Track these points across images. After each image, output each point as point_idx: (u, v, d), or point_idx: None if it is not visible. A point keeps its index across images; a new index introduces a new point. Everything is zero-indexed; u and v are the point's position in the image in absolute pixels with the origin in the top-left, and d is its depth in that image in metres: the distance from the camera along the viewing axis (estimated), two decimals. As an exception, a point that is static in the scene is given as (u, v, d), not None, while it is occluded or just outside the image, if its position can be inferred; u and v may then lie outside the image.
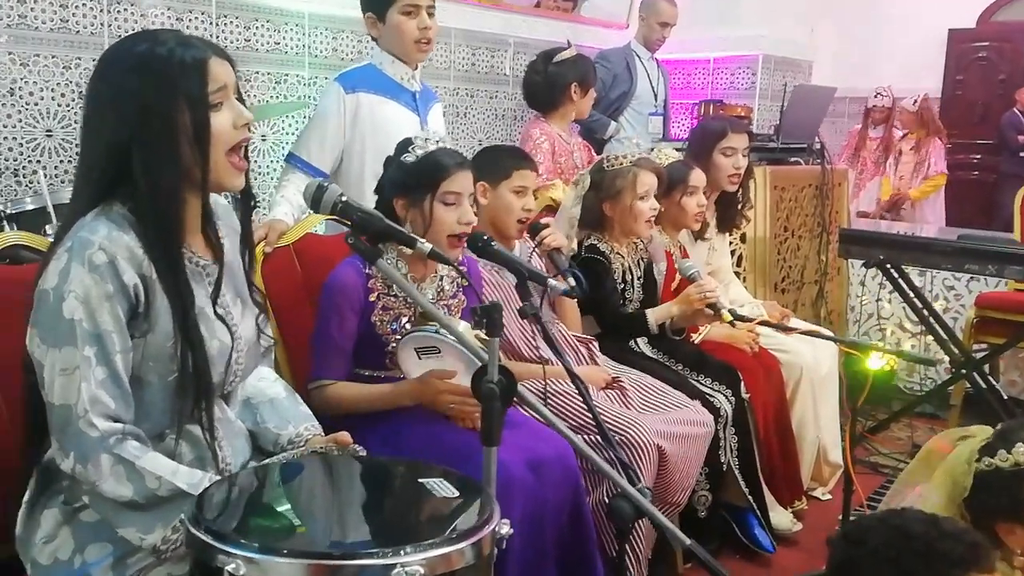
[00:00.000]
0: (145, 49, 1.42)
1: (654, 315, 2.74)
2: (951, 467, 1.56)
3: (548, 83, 3.62)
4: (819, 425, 3.13)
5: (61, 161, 3.01)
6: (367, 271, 2.02)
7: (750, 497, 2.74)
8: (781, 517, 2.88)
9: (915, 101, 6.28)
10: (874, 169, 6.43)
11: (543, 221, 2.50)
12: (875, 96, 6.16)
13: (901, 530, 1.21)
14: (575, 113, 3.63)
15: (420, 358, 1.91)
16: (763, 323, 2.87)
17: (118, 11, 3.09)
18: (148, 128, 1.40)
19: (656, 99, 4.43)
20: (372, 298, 2.02)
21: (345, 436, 1.64)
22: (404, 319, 2.04)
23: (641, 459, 2.22)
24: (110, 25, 3.07)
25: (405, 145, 2.08)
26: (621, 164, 2.78)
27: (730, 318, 2.66)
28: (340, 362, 2.01)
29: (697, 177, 3.00)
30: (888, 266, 3.51)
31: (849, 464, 2.47)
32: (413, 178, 2.04)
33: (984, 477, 1.50)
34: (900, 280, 3.55)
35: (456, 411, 1.95)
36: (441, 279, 2.13)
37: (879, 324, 4.40)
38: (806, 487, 3.14)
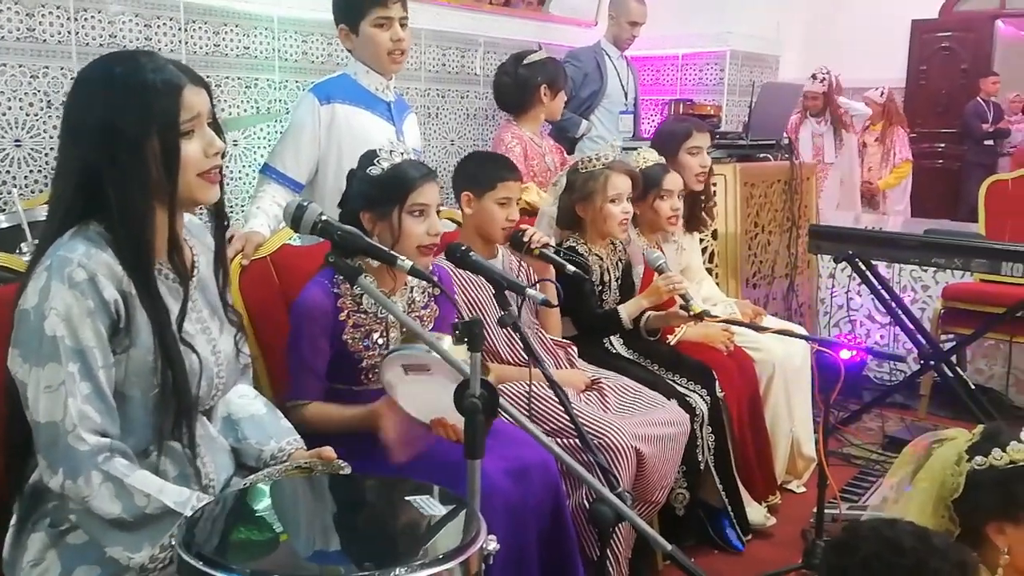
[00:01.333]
0: (120, 72, 1.43)
1: (626, 310, 2.77)
2: (936, 469, 1.58)
3: (517, 85, 3.63)
4: (792, 419, 3.19)
5: (31, 171, 2.99)
6: (335, 290, 2.02)
7: (724, 495, 2.79)
8: (755, 512, 2.94)
9: (882, 93, 6.36)
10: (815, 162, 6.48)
11: (522, 227, 2.51)
12: (812, 79, 6.11)
13: (892, 543, 1.23)
14: (546, 115, 3.64)
15: (407, 374, 1.91)
16: (735, 322, 2.92)
17: (85, 19, 3.06)
18: (118, 149, 1.40)
19: (626, 97, 4.45)
20: (342, 317, 2.02)
21: (329, 451, 1.65)
22: (376, 335, 2.05)
23: (619, 462, 2.26)
24: (77, 33, 3.04)
25: (370, 157, 2.07)
26: (594, 166, 2.80)
27: (699, 309, 2.69)
28: (313, 383, 2.02)
29: (672, 180, 3.03)
30: (857, 260, 3.58)
31: (823, 459, 2.52)
32: (380, 191, 2.04)
33: (976, 476, 1.53)
34: (868, 274, 3.62)
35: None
36: (411, 290, 2.13)
37: (849, 316, 4.47)
38: (781, 481, 3.20)
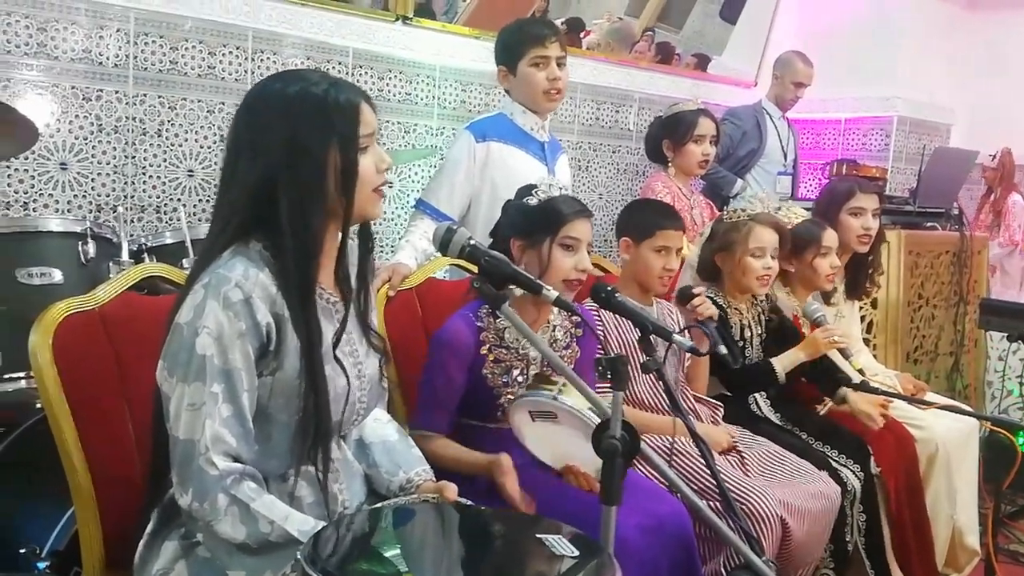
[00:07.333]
0: (299, 89, 1.45)
1: (780, 363, 2.61)
2: None
3: (647, 139, 3.60)
4: (955, 506, 2.93)
5: (199, 200, 3.14)
6: (479, 323, 2.00)
7: (876, 580, 2.57)
8: (911, 603, 2.69)
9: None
10: (987, 234, 6.12)
11: (696, 290, 2.41)
12: (990, 159, 5.82)
13: None
14: (686, 169, 3.52)
15: (534, 420, 1.86)
16: (897, 395, 2.71)
17: (261, 59, 3.23)
18: (299, 166, 1.42)
19: (785, 158, 4.33)
20: (483, 351, 1.99)
21: (451, 492, 1.60)
22: (516, 372, 2.00)
23: (763, 530, 2.10)
24: (253, 72, 3.21)
25: (528, 189, 2.08)
26: (739, 217, 2.69)
27: (860, 365, 2.53)
28: (442, 417, 1.99)
29: (830, 237, 2.88)
30: (1034, 340, 3.30)
31: (992, 553, 2.28)
32: (533, 221, 2.03)
33: None
34: (1047, 356, 3.33)
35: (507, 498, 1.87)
36: (554, 329, 2.09)
37: (1020, 402, 4.11)
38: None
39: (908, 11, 4.94)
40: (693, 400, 2.47)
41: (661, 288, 2.43)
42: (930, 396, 3.08)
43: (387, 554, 1.25)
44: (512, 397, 1.98)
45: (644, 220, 2.45)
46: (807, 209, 3.10)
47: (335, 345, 1.49)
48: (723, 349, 2.23)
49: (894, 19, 4.91)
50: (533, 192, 2.05)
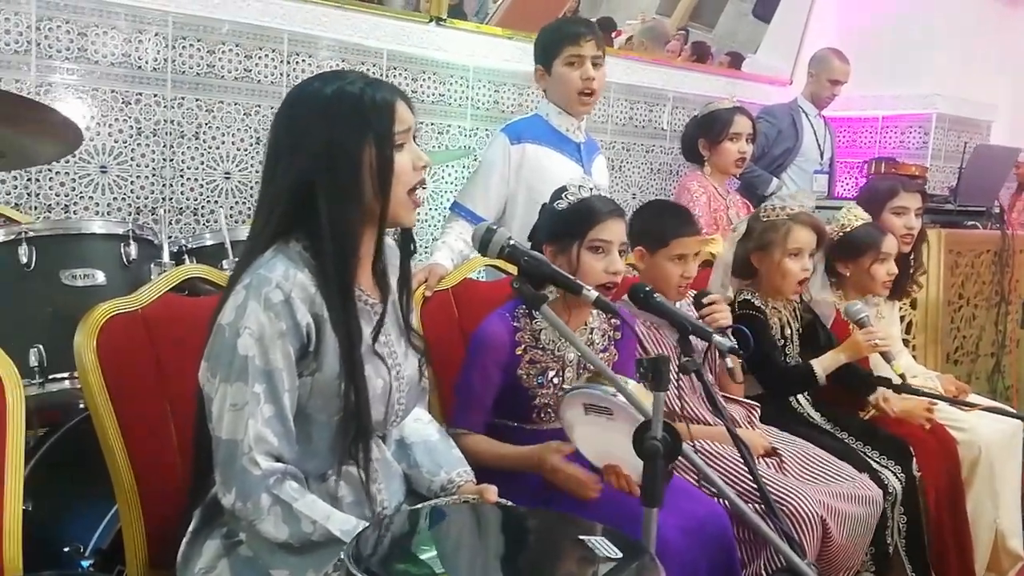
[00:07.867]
0: (335, 89, 1.46)
1: (821, 365, 2.56)
2: None
3: (683, 139, 3.57)
4: (998, 510, 2.88)
5: (236, 202, 3.17)
6: (515, 323, 1.99)
7: (916, 583, 2.54)
8: (952, 607, 2.65)
9: None
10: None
11: (709, 298, 2.34)
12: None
13: None
14: (715, 168, 3.50)
15: (587, 414, 1.84)
16: (939, 396, 2.67)
17: (296, 62, 3.25)
18: (335, 165, 1.42)
19: (822, 157, 4.28)
20: (519, 351, 1.98)
21: (491, 494, 1.59)
22: (551, 373, 1.99)
23: (803, 531, 2.08)
24: (289, 75, 3.23)
25: (559, 192, 2.06)
26: (777, 215, 2.63)
27: (901, 369, 2.48)
28: (478, 415, 1.99)
29: (889, 243, 2.83)
30: (1079, 341, 3.24)
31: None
32: (563, 224, 2.01)
33: None
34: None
35: (567, 488, 1.85)
36: (591, 331, 2.07)
37: (1064, 404, 4.05)
38: (981, 576, 2.89)
39: (946, 7, 4.88)
40: (724, 403, 2.45)
41: (679, 296, 2.37)
42: (972, 398, 3.03)
43: (425, 556, 1.25)
44: (547, 399, 1.97)
45: (657, 228, 2.33)
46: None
47: (373, 341, 1.50)
48: (729, 363, 2.16)
49: (932, 16, 4.85)
50: (563, 195, 2.02)
